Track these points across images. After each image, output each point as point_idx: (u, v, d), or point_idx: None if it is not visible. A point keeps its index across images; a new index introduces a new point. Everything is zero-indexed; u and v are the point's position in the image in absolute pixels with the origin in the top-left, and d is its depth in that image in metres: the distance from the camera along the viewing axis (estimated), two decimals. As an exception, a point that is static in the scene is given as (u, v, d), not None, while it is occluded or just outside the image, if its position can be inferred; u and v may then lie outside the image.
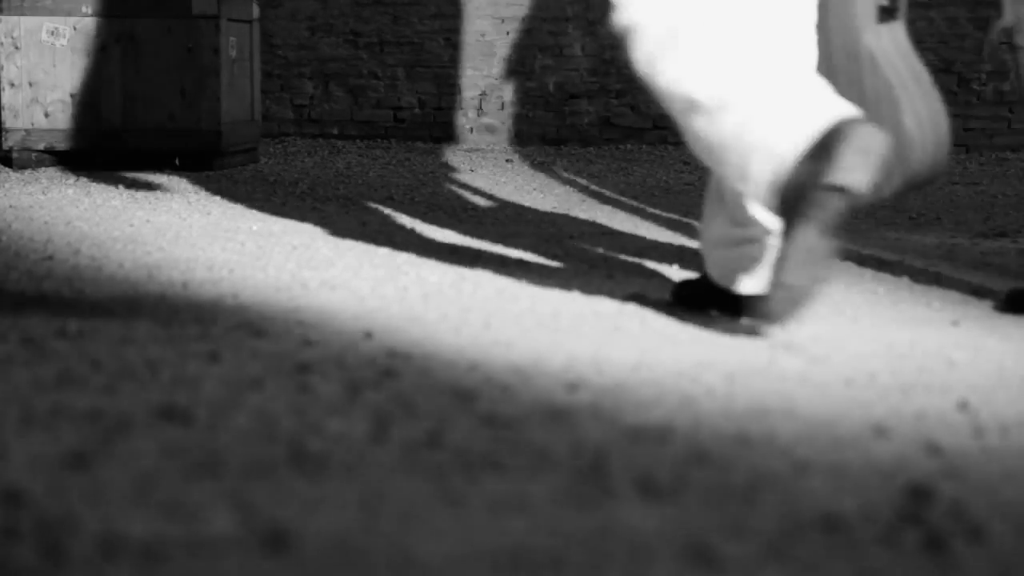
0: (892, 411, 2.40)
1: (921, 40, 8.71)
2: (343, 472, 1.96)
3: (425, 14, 9.01)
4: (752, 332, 2.94)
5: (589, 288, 3.61)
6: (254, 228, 4.74)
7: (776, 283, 2.75)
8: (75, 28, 6.94)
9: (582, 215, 5.56)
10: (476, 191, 6.50)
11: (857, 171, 2.64)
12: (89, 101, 6.97)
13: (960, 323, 3.26)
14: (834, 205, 2.67)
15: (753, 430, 2.25)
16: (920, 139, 2.97)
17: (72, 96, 6.98)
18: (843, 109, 2.74)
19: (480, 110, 9.02)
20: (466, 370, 2.64)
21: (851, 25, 2.97)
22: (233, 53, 7.14)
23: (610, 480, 1.95)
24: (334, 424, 2.22)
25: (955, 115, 8.75)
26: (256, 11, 7.52)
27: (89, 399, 2.34)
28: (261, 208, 5.48)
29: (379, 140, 8.94)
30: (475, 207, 5.78)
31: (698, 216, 5.58)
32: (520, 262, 4.05)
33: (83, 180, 6.46)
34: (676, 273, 3.95)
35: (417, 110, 9.00)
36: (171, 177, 6.76)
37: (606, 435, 2.19)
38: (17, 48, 6.95)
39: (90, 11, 6.93)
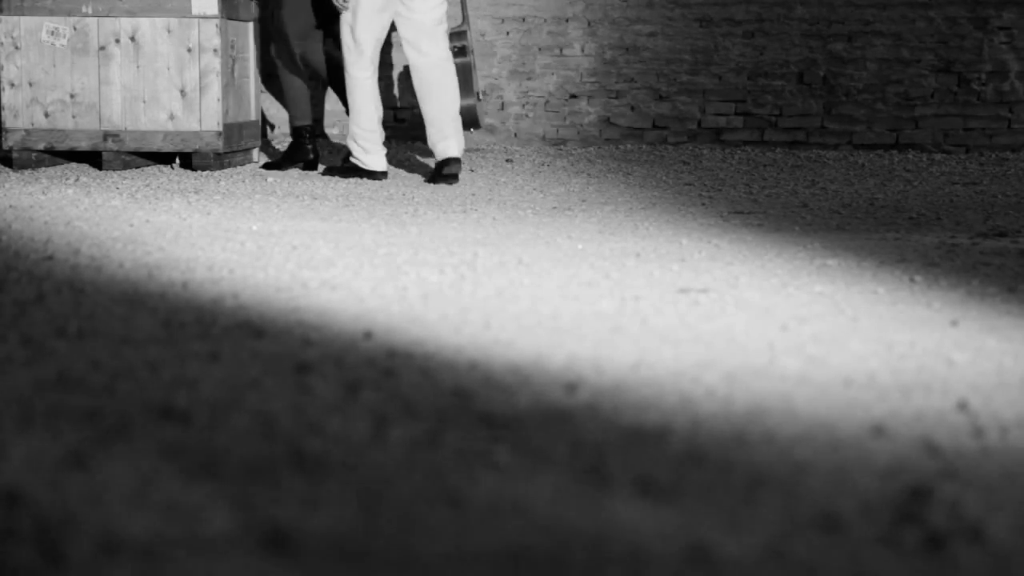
0: (891, 411, 2.40)
1: (921, 40, 8.71)
2: (343, 472, 1.96)
3: (425, 14, 9.00)
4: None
5: (589, 288, 3.61)
6: (254, 228, 4.74)
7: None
8: (75, 28, 6.94)
9: (582, 215, 5.56)
10: (476, 191, 6.50)
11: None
12: (89, 101, 6.97)
13: (960, 323, 3.26)
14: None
15: (752, 430, 2.25)
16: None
17: (72, 96, 6.98)
18: None
19: (480, 110, 9.01)
20: (466, 370, 2.64)
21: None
22: (233, 53, 7.14)
23: (609, 480, 1.96)
24: (334, 424, 2.22)
25: (955, 115, 8.74)
26: (256, 11, 7.52)
27: (89, 399, 2.34)
28: (261, 208, 5.48)
29: (379, 140, 8.92)
30: (475, 207, 5.78)
31: (697, 216, 5.58)
32: (520, 262, 4.05)
33: (83, 180, 6.46)
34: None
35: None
36: (171, 177, 6.76)
37: (605, 435, 2.19)
38: (17, 48, 6.95)
39: (90, 11, 6.93)
